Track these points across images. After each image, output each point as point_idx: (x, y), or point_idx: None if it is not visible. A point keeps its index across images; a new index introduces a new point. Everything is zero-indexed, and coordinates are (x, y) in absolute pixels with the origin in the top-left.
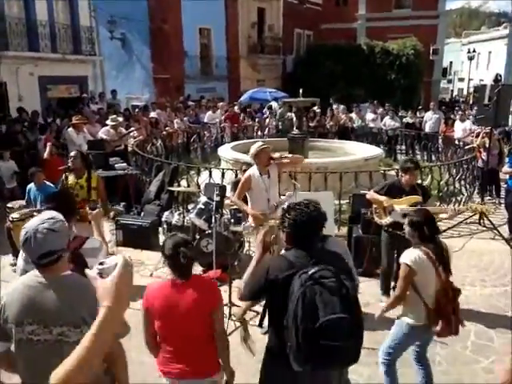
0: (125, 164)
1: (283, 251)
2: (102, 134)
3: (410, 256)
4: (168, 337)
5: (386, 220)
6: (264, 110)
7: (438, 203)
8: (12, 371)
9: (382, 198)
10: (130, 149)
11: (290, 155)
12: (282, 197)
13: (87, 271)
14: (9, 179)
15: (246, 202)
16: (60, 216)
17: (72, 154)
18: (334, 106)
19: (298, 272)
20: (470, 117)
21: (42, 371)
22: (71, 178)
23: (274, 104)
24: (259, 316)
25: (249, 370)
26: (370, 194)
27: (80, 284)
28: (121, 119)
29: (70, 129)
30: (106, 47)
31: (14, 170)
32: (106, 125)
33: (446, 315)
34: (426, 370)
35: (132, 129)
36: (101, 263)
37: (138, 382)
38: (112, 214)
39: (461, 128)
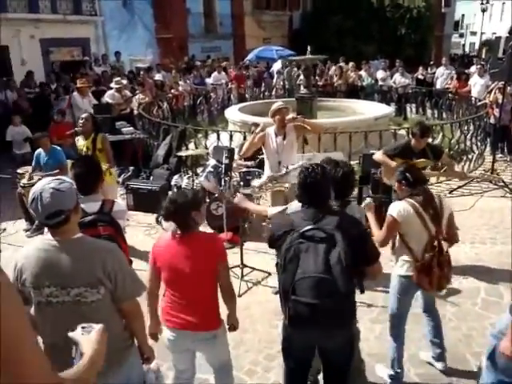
0: (132, 128)
1: (294, 209)
2: (107, 97)
3: (396, 208)
4: (172, 287)
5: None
6: (271, 70)
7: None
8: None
9: (391, 163)
10: (135, 112)
11: (307, 120)
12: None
13: (70, 334)
14: (21, 144)
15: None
16: (68, 178)
17: (83, 116)
18: (342, 64)
19: (294, 229)
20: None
21: (62, 331)
22: (81, 141)
23: (278, 64)
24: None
25: (261, 329)
26: (379, 156)
27: (94, 245)
28: (125, 82)
29: (75, 93)
30: (106, 6)
31: (27, 135)
32: (111, 88)
33: (426, 268)
34: (434, 320)
35: (137, 92)
36: (83, 327)
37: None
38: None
39: (480, 84)
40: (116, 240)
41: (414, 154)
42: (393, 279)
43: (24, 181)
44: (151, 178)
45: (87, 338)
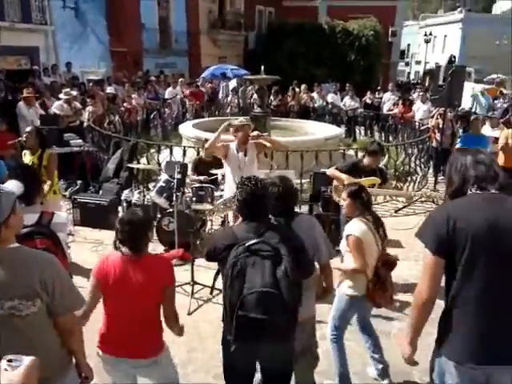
0: (80, 140)
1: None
2: (56, 108)
3: (355, 227)
4: (114, 310)
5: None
6: (220, 88)
7: (395, 182)
8: None
9: (344, 176)
10: (85, 124)
11: (271, 138)
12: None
13: None
14: None
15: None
16: (6, 187)
17: (27, 129)
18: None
19: (237, 243)
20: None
21: None
22: (27, 156)
23: (233, 83)
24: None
25: (211, 348)
26: (332, 171)
27: (30, 255)
28: (75, 93)
29: (21, 103)
30: (58, 16)
31: None
32: (60, 99)
33: (384, 285)
34: (372, 337)
35: (88, 104)
36: (9, 360)
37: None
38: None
39: (422, 109)
40: (54, 253)
41: (364, 172)
42: (340, 299)
43: None
44: (100, 192)
45: (11, 375)
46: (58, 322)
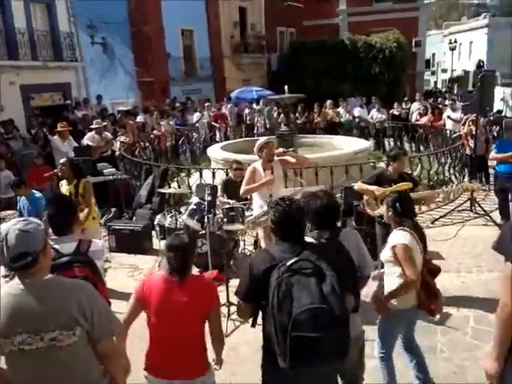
0: (113, 169)
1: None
2: (87, 140)
3: (402, 236)
4: (161, 333)
5: (379, 210)
6: (245, 110)
7: (430, 191)
8: None
9: (373, 188)
10: (117, 154)
11: (295, 153)
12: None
13: None
14: (5, 189)
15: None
16: (35, 219)
17: (61, 161)
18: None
19: (278, 264)
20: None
21: (37, 381)
22: (64, 186)
23: (259, 104)
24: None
25: (251, 370)
26: (359, 185)
27: (66, 284)
28: (106, 123)
29: (56, 137)
30: (87, 52)
31: (11, 179)
32: (92, 130)
33: (434, 292)
34: (417, 356)
35: (119, 134)
36: None
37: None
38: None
39: (454, 117)
40: (93, 281)
41: (393, 180)
42: (387, 314)
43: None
44: (134, 218)
45: None
46: (98, 347)
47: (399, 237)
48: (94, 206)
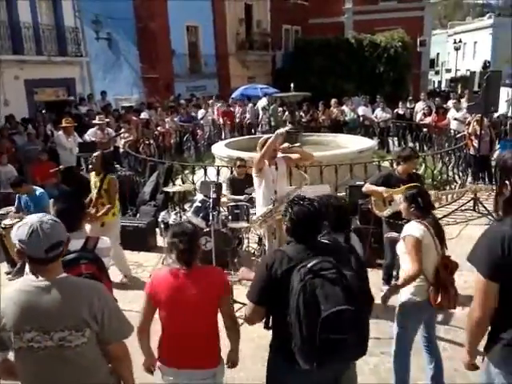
0: (117, 166)
1: (283, 245)
2: (89, 135)
3: (415, 228)
4: (173, 324)
5: (387, 211)
6: (248, 108)
7: (433, 192)
8: (13, 379)
9: (381, 189)
10: (121, 150)
11: (301, 149)
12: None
13: None
14: (6, 183)
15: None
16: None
17: (95, 153)
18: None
19: (296, 266)
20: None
21: (44, 379)
22: (93, 176)
23: (263, 101)
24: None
25: (253, 367)
26: (367, 187)
27: (79, 285)
28: (109, 120)
29: (60, 132)
30: (92, 48)
31: (13, 174)
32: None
33: (445, 288)
34: (436, 359)
35: (122, 130)
36: None
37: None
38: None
39: (457, 117)
40: (99, 278)
41: (401, 180)
42: (401, 307)
43: (5, 221)
44: (138, 215)
45: None
46: (108, 350)
47: (412, 228)
48: (117, 202)
